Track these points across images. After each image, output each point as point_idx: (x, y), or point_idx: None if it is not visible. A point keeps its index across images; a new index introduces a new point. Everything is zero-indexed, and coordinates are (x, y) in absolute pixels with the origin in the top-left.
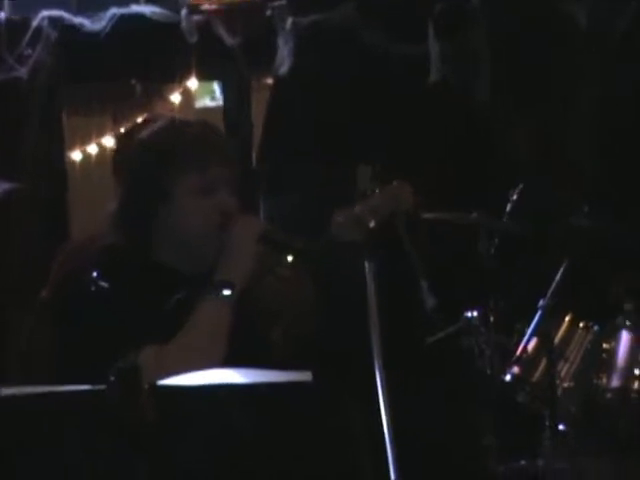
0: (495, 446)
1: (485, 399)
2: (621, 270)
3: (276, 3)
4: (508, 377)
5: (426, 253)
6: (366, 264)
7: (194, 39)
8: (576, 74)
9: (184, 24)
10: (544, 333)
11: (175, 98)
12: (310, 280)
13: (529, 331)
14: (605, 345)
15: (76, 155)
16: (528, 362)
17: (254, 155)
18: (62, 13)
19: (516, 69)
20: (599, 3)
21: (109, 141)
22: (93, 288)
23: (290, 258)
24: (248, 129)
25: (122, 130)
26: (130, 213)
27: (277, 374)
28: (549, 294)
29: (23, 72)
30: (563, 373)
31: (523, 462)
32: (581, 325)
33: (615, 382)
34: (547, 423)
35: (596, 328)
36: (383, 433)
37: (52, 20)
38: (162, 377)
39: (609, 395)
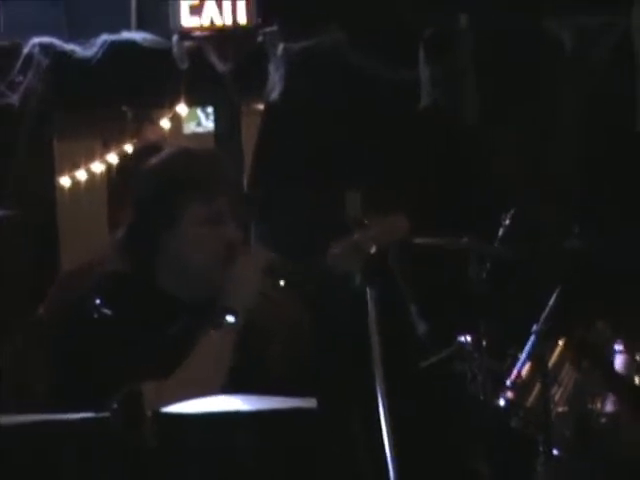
0: (488, 472)
1: (478, 424)
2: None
3: (267, 29)
4: (502, 402)
5: (411, 279)
6: (367, 290)
7: (185, 65)
8: (561, 93)
9: (175, 50)
10: (538, 357)
11: (164, 124)
12: (302, 305)
13: (523, 356)
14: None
15: (65, 181)
16: (522, 387)
17: (245, 180)
18: (53, 40)
19: (502, 89)
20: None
21: (98, 167)
22: (96, 315)
23: (282, 282)
24: (239, 154)
25: (122, 153)
26: (137, 239)
27: (281, 401)
28: (542, 319)
29: (14, 99)
30: (557, 397)
31: None
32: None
33: (609, 406)
34: (541, 448)
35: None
36: (384, 456)
37: (43, 47)
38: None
39: (603, 420)
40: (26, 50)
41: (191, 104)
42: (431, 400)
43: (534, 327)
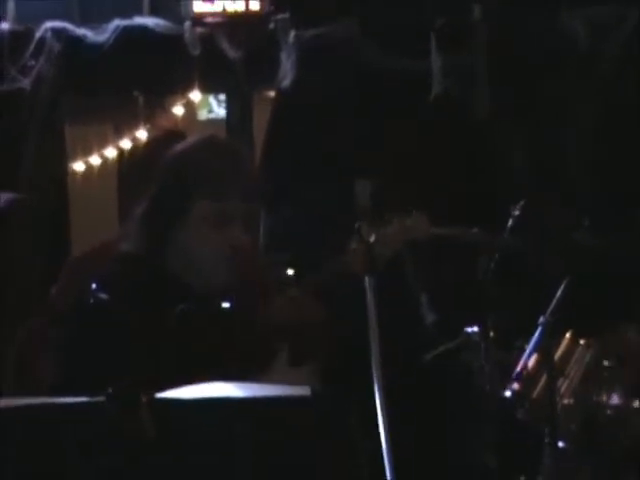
0: (495, 463)
1: (485, 415)
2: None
3: (279, 16)
4: (508, 393)
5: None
6: (365, 279)
7: (197, 51)
8: (574, 89)
9: (187, 36)
10: (544, 350)
11: (178, 110)
12: (319, 303)
13: (529, 347)
14: (606, 362)
15: (78, 166)
16: (528, 378)
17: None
18: (65, 24)
19: (515, 83)
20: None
21: (111, 152)
22: (92, 300)
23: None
24: (250, 141)
25: (135, 139)
26: (154, 219)
27: (276, 388)
28: (550, 311)
29: (26, 83)
30: (563, 390)
31: (523, 479)
32: (582, 342)
33: (616, 399)
34: (547, 440)
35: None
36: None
37: (55, 31)
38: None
39: (609, 412)
40: (38, 35)
41: (204, 91)
42: (436, 392)
43: (541, 319)
